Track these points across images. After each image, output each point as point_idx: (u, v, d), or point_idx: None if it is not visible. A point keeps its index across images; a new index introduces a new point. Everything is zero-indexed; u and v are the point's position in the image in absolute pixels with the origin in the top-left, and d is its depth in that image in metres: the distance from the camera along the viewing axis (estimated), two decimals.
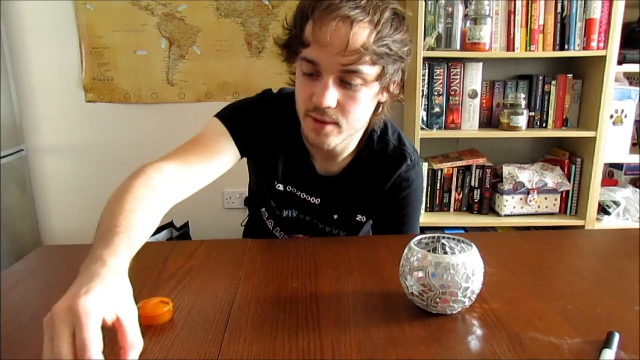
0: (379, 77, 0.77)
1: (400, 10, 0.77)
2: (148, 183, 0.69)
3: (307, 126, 0.81)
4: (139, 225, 0.62)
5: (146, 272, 0.73)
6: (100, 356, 0.43)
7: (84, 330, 0.43)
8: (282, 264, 0.76)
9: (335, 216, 0.98)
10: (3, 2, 1.96)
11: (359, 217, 0.98)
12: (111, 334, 0.55)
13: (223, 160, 0.86)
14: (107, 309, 0.46)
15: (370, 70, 0.75)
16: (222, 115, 0.90)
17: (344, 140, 0.84)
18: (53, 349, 0.43)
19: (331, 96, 0.75)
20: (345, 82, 0.75)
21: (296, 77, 0.82)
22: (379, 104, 0.85)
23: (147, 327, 0.57)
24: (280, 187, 0.97)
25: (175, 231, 2.00)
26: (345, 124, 0.79)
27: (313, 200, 0.97)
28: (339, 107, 0.77)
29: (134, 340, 0.47)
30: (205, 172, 0.83)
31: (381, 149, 0.93)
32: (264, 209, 1.05)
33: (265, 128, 0.92)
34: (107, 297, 0.47)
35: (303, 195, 0.97)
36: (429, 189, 1.97)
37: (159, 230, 1.94)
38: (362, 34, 0.71)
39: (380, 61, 0.74)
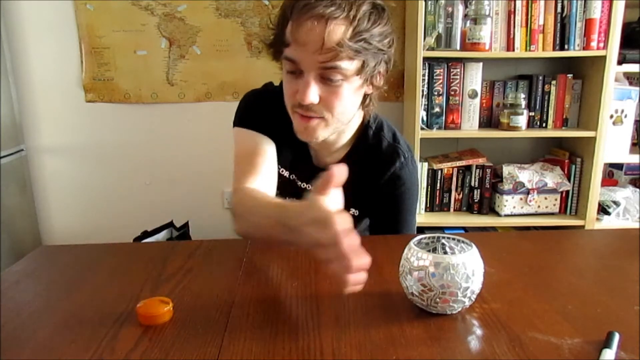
0: (360, 70, 0.78)
1: (379, 3, 0.78)
2: (247, 189, 0.81)
3: (295, 122, 0.85)
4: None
5: (146, 272, 0.73)
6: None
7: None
8: (282, 264, 0.76)
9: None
10: (3, 2, 1.96)
11: (352, 211, 0.99)
12: (113, 331, 0.55)
13: (270, 152, 0.92)
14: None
15: (349, 65, 0.76)
16: (239, 122, 0.96)
17: (332, 133, 0.87)
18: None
19: (313, 93, 0.77)
20: (326, 78, 0.77)
21: (282, 76, 0.85)
22: (365, 96, 0.87)
23: (147, 327, 0.57)
24: (286, 173, 1.00)
25: (175, 231, 2.00)
26: (331, 117, 0.82)
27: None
28: (323, 103, 0.79)
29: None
30: (269, 169, 0.90)
31: (375, 144, 0.95)
32: None
33: (271, 116, 0.95)
34: None
35: (303, 185, 0.99)
36: (429, 189, 1.97)
37: (159, 230, 1.94)
38: (337, 31, 0.73)
39: (358, 56, 0.76)
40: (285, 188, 1.01)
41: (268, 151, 0.92)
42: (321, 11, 0.72)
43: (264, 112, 0.96)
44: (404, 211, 0.98)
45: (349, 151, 0.96)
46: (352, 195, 0.97)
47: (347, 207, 0.98)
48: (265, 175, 0.88)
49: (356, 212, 0.99)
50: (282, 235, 0.62)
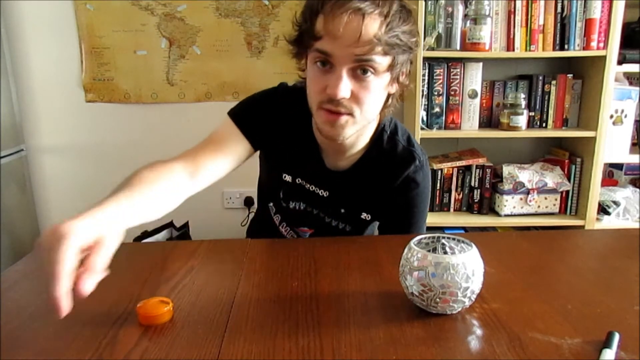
0: (390, 67, 0.79)
1: (406, 3, 0.79)
2: (152, 168, 0.75)
3: (321, 118, 0.83)
4: (138, 193, 0.67)
5: (146, 272, 0.73)
6: (67, 275, 0.46)
7: (56, 251, 0.46)
8: (282, 264, 0.76)
9: (342, 210, 0.99)
10: (3, 2, 1.96)
11: (364, 215, 0.98)
12: (113, 331, 0.55)
13: (233, 155, 0.90)
14: (86, 236, 0.49)
15: (382, 61, 0.77)
16: (233, 112, 0.95)
17: (357, 131, 0.85)
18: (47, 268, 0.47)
19: (345, 87, 0.76)
20: (358, 72, 0.77)
21: (308, 72, 0.83)
22: (388, 95, 0.86)
23: (147, 327, 0.57)
24: (289, 178, 0.99)
25: (175, 231, 2.00)
26: (359, 114, 0.81)
27: (322, 193, 0.98)
28: (353, 98, 0.79)
29: (94, 266, 0.48)
30: (214, 168, 0.87)
31: (390, 148, 0.95)
32: (271, 204, 1.06)
33: (277, 119, 0.94)
34: (89, 226, 0.50)
35: (312, 188, 0.98)
36: None
37: (159, 230, 1.93)
38: (373, 25, 0.74)
39: (391, 51, 0.76)
40: (291, 193, 1.00)
41: (230, 151, 0.89)
42: (357, 5, 0.73)
43: (266, 115, 0.94)
44: (415, 214, 0.98)
45: (363, 155, 0.95)
46: (365, 200, 0.97)
47: (359, 212, 0.99)
48: (201, 166, 0.84)
49: (368, 217, 0.98)
50: None
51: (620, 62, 1.80)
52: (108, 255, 0.51)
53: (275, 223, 1.07)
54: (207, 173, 0.85)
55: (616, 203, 1.96)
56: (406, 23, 0.78)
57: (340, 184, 0.96)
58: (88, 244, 0.49)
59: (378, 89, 0.80)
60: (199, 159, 0.85)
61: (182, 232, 2.02)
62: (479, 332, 0.56)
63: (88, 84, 2.06)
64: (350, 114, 0.80)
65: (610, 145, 1.88)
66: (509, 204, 1.92)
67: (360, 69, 0.77)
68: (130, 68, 2.05)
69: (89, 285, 0.47)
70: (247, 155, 0.94)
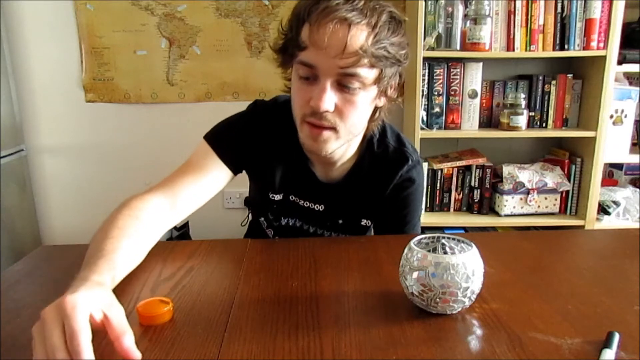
0: (377, 80, 0.76)
1: (397, 13, 0.76)
2: (131, 213, 0.73)
3: (304, 132, 0.80)
4: (121, 250, 0.65)
5: (146, 272, 0.73)
6: (89, 344, 0.45)
7: (73, 320, 0.45)
8: (282, 264, 0.76)
9: (340, 221, 0.97)
10: (3, 2, 1.96)
11: (364, 222, 0.97)
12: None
13: (212, 181, 0.87)
14: (94, 306, 0.49)
15: (368, 74, 0.74)
16: (209, 137, 0.90)
17: (341, 145, 0.83)
18: (46, 346, 0.45)
19: (329, 100, 0.74)
20: (343, 85, 0.74)
21: (292, 83, 0.81)
22: (376, 108, 0.84)
23: (147, 327, 0.57)
24: (278, 197, 0.96)
25: (175, 231, 2.00)
26: (343, 128, 0.78)
27: (317, 207, 0.96)
28: (337, 112, 0.76)
29: (123, 328, 0.49)
30: (194, 196, 0.85)
31: (382, 152, 0.93)
32: (262, 219, 1.04)
33: (259, 140, 0.91)
34: (93, 297, 0.50)
35: (307, 204, 0.96)
36: (429, 189, 1.97)
37: None
38: (360, 36, 0.71)
39: (378, 64, 0.74)
40: (283, 211, 0.98)
41: (209, 178, 0.86)
42: (344, 15, 0.69)
43: (246, 137, 0.90)
44: (411, 212, 0.98)
45: (355, 163, 0.93)
46: (363, 207, 0.96)
47: (358, 220, 0.98)
48: (181, 196, 0.82)
49: (368, 223, 0.98)
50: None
51: (620, 62, 1.80)
52: (124, 315, 0.51)
53: (269, 235, 1.05)
54: (187, 202, 0.84)
55: (616, 203, 1.96)
56: (395, 34, 0.75)
57: (336, 196, 0.95)
58: (98, 314, 0.49)
59: (364, 103, 0.77)
60: (177, 189, 0.83)
61: (182, 232, 2.02)
62: (479, 332, 0.56)
63: (88, 84, 2.06)
64: (334, 128, 0.78)
65: (610, 145, 1.88)
66: (509, 204, 1.92)
67: (346, 82, 0.74)
68: (130, 68, 2.05)
69: (131, 346, 0.47)
70: (228, 180, 0.91)
